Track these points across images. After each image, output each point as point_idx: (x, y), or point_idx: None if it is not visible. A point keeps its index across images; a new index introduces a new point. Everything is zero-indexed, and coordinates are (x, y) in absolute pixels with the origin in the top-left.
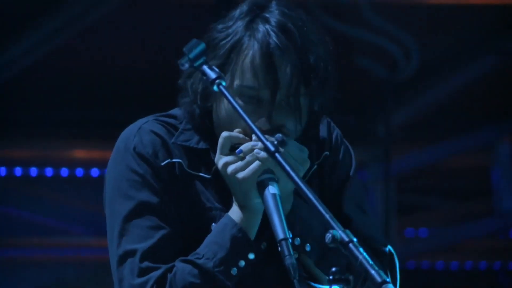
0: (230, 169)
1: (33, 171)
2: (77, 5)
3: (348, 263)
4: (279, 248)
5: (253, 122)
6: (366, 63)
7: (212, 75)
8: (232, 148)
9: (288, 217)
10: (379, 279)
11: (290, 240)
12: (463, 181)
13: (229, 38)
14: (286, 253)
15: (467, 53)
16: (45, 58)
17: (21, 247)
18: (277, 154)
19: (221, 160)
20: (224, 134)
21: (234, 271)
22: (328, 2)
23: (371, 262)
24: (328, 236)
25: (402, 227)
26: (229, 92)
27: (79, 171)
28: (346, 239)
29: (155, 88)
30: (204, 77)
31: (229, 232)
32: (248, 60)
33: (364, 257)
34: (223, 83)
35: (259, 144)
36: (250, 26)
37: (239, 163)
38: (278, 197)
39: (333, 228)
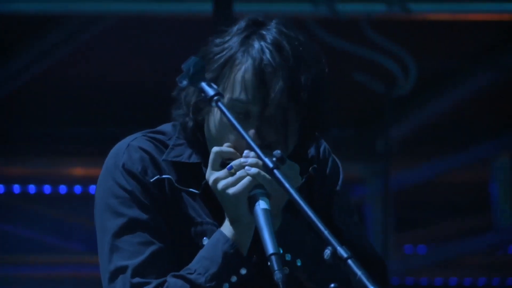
0: (221, 184)
1: (32, 189)
2: (75, 22)
3: (344, 278)
4: (269, 263)
5: (240, 137)
6: (365, 79)
7: (211, 92)
8: (223, 164)
9: (279, 232)
10: None
11: (280, 255)
12: (461, 196)
13: (224, 52)
14: (276, 267)
15: (465, 68)
16: (44, 75)
17: (19, 265)
18: (275, 171)
19: (211, 176)
20: (215, 149)
21: (226, 286)
22: (328, 19)
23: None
24: (327, 252)
25: (400, 243)
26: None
27: (78, 188)
28: (345, 255)
29: (155, 105)
30: (203, 94)
31: (221, 247)
32: (239, 74)
33: (363, 273)
34: (222, 101)
35: (249, 160)
36: (245, 42)
37: (230, 179)
38: (268, 212)
39: (331, 244)
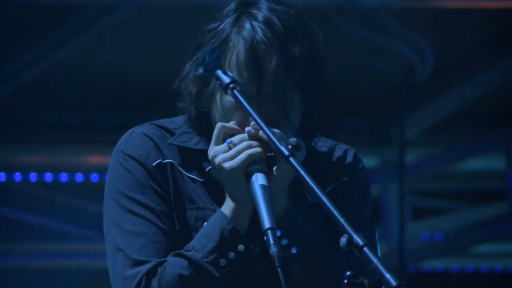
0: (218, 158)
1: (48, 177)
2: (94, 10)
3: (338, 275)
4: (265, 238)
5: (244, 118)
6: (381, 67)
7: (226, 79)
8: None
9: (280, 217)
10: (394, 283)
11: (279, 237)
12: (478, 184)
13: (217, 36)
14: (272, 242)
15: (482, 56)
16: (61, 63)
17: (36, 253)
18: (291, 158)
19: (212, 150)
20: (219, 124)
21: (223, 262)
22: (344, 7)
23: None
24: (343, 240)
25: (417, 231)
26: (219, 91)
27: (94, 177)
28: (361, 243)
29: (171, 94)
30: (218, 82)
31: (219, 224)
32: (234, 57)
33: (379, 261)
34: (238, 88)
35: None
36: (236, 23)
37: (227, 153)
38: (266, 188)
39: (347, 232)
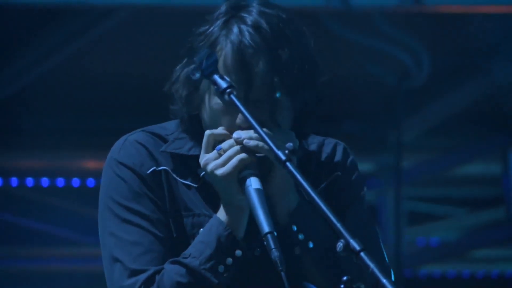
0: (210, 166)
1: (45, 182)
2: (90, 14)
3: (352, 270)
4: (265, 242)
5: (233, 122)
6: (377, 71)
7: (223, 84)
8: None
9: (294, 213)
10: None
11: (293, 233)
12: (474, 189)
13: (206, 39)
14: (272, 246)
15: (478, 61)
16: (57, 68)
17: (33, 258)
18: (288, 163)
19: (203, 159)
20: (207, 132)
21: (221, 268)
22: (340, 11)
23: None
24: (339, 245)
25: (413, 236)
26: (207, 93)
27: (90, 181)
28: (358, 248)
29: (169, 99)
30: (215, 87)
31: (215, 230)
32: (221, 60)
33: (376, 266)
34: (235, 92)
35: (243, 135)
36: (225, 26)
37: (219, 160)
38: (261, 192)
39: (344, 237)
